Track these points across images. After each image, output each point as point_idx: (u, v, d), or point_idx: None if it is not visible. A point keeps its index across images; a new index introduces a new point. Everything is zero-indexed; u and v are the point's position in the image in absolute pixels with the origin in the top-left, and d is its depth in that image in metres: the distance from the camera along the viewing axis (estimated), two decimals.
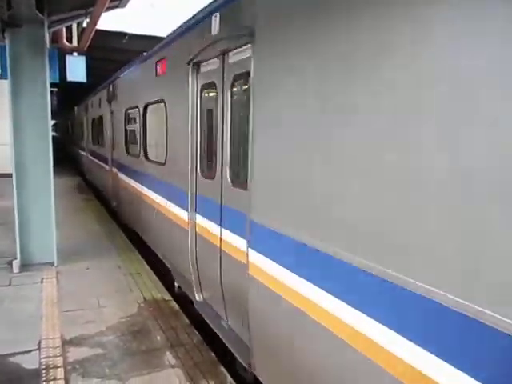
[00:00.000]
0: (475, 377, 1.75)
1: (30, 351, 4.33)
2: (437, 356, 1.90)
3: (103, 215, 11.33)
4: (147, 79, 6.93)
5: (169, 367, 4.16)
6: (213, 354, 4.42)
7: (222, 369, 4.17)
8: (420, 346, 1.98)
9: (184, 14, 5.37)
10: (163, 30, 11.78)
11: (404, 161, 2.03)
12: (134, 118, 8.21)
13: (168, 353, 4.42)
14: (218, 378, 4.01)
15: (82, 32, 9.15)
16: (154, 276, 6.69)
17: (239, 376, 4.19)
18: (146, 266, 7.15)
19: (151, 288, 6.16)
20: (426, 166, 1.91)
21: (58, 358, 4.22)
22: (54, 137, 7.57)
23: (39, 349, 4.38)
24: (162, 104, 6.05)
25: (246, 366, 3.87)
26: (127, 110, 8.79)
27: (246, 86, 3.79)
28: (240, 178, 3.97)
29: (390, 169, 2.11)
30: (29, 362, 4.14)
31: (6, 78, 6.67)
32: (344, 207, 2.45)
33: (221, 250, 4.37)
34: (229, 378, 4.01)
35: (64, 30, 8.47)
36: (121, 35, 14.11)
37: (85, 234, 9.12)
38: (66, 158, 28.18)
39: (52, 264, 6.91)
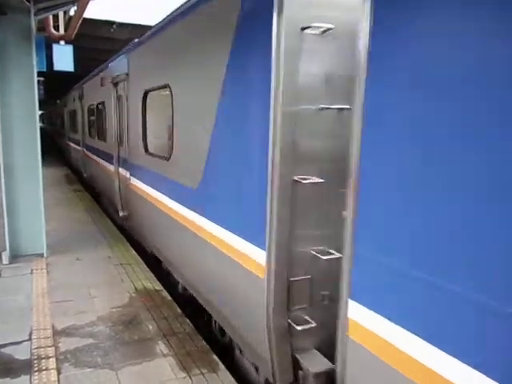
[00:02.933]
0: None
1: (21, 342, 4.32)
2: None
3: (93, 206, 11.26)
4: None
5: (161, 356, 4.17)
6: (205, 343, 4.45)
7: (215, 357, 4.19)
8: None
9: (174, 2, 5.30)
10: (152, 18, 11.65)
11: None
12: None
13: (160, 342, 4.43)
14: (210, 365, 4.04)
15: (69, 20, 9.00)
16: (145, 266, 6.68)
17: (231, 364, 4.23)
18: (137, 257, 7.14)
19: (142, 278, 6.16)
20: None
21: (50, 349, 4.22)
22: (41, 128, 7.45)
23: (30, 339, 4.37)
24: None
25: None
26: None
27: None
28: None
29: None
30: (20, 353, 4.12)
31: None
32: None
33: None
34: (221, 366, 4.04)
35: (51, 17, 8.32)
36: (109, 24, 13.93)
37: (75, 225, 9.06)
38: (54, 149, 27.87)
39: (42, 255, 6.87)
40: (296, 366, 3.23)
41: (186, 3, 4.68)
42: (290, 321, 3.18)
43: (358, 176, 2.40)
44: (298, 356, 3.20)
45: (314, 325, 3.15)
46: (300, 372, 3.19)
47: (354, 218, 2.44)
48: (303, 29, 2.88)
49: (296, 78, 2.94)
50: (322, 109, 3.02)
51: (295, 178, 3.01)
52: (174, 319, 4.93)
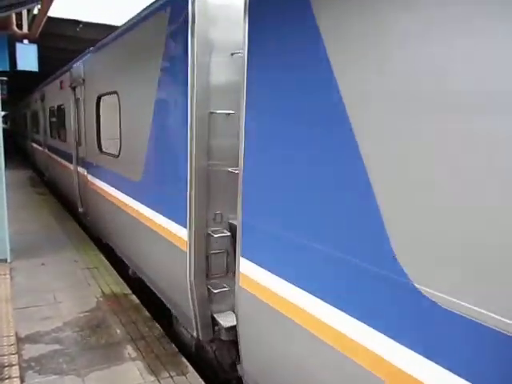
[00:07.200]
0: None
1: None
2: None
3: (58, 209, 10.99)
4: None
5: (129, 360, 4.13)
6: (173, 346, 4.43)
7: (183, 359, 4.18)
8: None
9: (140, 1, 5.24)
10: (119, 18, 11.48)
11: None
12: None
13: (128, 346, 4.38)
14: (179, 368, 4.02)
15: (33, 18, 8.75)
16: (113, 270, 6.58)
17: (200, 366, 4.23)
18: (104, 260, 7.02)
19: (110, 282, 6.06)
20: None
21: (13, 356, 4.10)
22: (4, 129, 7.21)
23: None
24: None
25: None
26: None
27: None
28: None
29: None
30: None
31: None
32: None
33: None
34: (190, 368, 4.03)
35: (14, 16, 8.06)
36: (74, 23, 13.60)
37: (39, 229, 8.82)
38: (17, 151, 27.04)
39: (5, 260, 6.65)
40: (214, 323, 4.04)
41: None
42: (209, 286, 3.94)
43: (242, 167, 3.10)
44: (215, 315, 4.01)
45: (227, 289, 3.91)
46: (216, 327, 4.03)
47: (241, 198, 3.15)
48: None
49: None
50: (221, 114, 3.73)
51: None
52: (142, 323, 4.88)
